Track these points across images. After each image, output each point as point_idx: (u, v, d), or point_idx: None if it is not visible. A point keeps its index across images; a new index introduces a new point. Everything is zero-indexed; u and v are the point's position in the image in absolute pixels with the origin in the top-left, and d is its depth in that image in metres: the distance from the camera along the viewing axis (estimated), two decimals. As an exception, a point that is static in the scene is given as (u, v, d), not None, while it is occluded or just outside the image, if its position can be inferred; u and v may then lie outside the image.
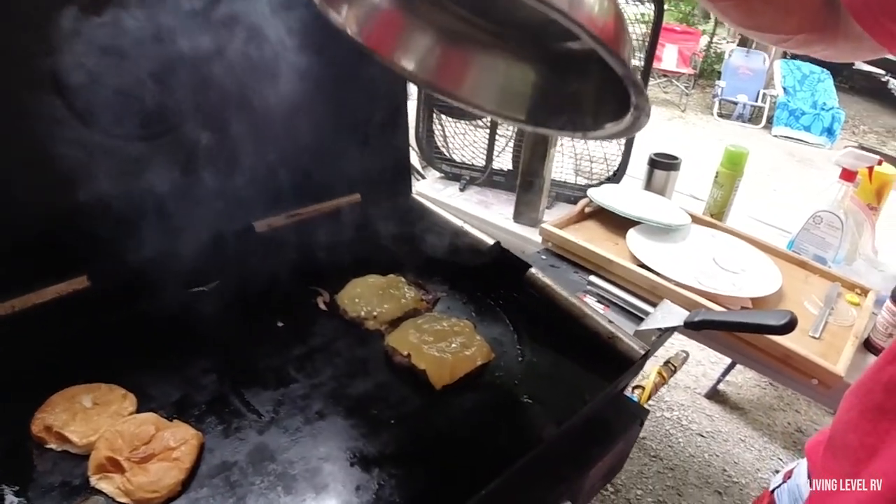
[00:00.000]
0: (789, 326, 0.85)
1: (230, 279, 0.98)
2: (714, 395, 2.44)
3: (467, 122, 1.73)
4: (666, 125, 5.44)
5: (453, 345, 0.87)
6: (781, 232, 1.65)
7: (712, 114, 5.25)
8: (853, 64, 5.56)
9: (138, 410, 0.76)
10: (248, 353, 0.88)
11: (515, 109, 0.68)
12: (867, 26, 0.44)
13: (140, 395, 0.78)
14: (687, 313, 1.02)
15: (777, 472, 2.37)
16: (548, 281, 0.95)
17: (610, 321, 0.91)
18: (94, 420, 0.73)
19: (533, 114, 0.67)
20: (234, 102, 0.91)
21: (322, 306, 0.99)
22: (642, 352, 0.88)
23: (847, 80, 5.06)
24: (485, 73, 0.67)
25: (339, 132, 1.08)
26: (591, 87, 0.59)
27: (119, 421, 0.72)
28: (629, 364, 0.86)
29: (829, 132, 4.49)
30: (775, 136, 4.82)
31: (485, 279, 1.03)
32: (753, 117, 5.08)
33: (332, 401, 0.80)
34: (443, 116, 1.70)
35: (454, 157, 1.73)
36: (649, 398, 1.02)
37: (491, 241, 1.02)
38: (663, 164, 1.58)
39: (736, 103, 5.08)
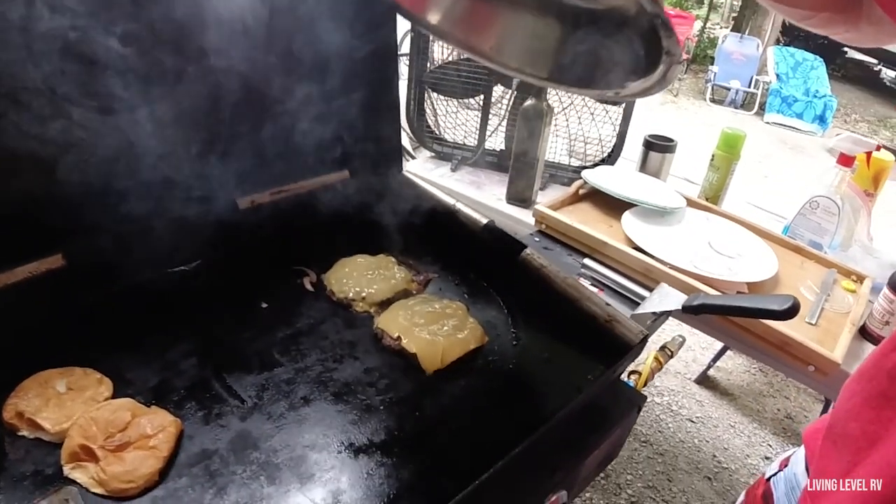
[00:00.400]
0: (791, 312, 0.82)
1: (212, 259, 0.93)
2: (704, 380, 2.43)
3: (459, 101, 1.69)
4: (658, 110, 5.41)
5: (445, 328, 0.83)
6: (776, 217, 1.64)
7: (705, 99, 5.23)
8: (845, 52, 5.55)
9: (114, 396, 0.73)
10: (230, 336, 0.84)
11: (540, 67, 0.65)
12: (888, 10, 0.43)
13: (116, 380, 0.74)
14: (685, 297, 1.00)
15: (767, 458, 2.37)
16: (543, 262, 0.92)
17: (607, 304, 0.88)
18: (68, 406, 0.69)
19: (558, 72, 0.64)
20: (218, 75, 0.86)
21: (308, 287, 0.95)
22: (641, 336, 0.85)
23: (839, 68, 5.04)
24: (510, 29, 0.65)
25: (327, 106, 1.03)
26: (618, 44, 0.56)
27: (94, 407, 0.69)
28: (627, 349, 0.83)
29: (821, 120, 4.48)
30: (767, 122, 4.80)
31: (478, 260, 1.00)
32: (746, 103, 5.07)
33: (319, 386, 0.77)
34: (434, 95, 1.66)
35: (445, 136, 1.69)
36: (645, 384, 0.99)
37: (484, 221, 0.98)
38: (659, 145, 1.55)
39: (728, 89, 5.05)
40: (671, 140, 1.57)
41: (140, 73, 0.78)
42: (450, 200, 1.03)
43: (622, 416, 0.87)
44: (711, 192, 1.57)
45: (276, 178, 1.02)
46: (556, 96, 1.57)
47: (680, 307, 0.98)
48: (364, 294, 0.91)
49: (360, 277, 0.93)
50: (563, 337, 0.87)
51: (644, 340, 0.85)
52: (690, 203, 1.44)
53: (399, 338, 0.81)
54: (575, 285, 0.90)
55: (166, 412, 0.70)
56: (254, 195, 1.00)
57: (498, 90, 1.62)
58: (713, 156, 1.54)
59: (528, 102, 1.35)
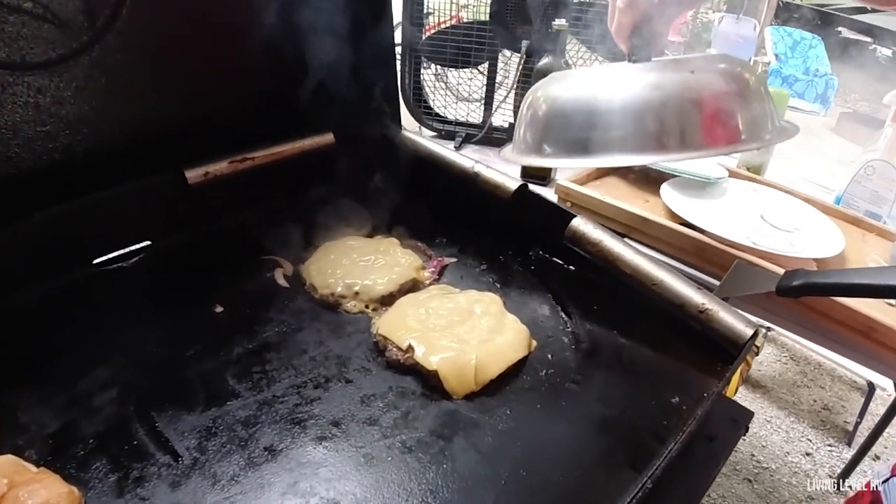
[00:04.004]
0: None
1: (150, 250, 0.69)
2: (735, 372, 2.19)
3: (459, 70, 1.46)
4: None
5: (476, 331, 0.56)
6: (822, 188, 1.46)
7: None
8: (840, 32, 5.35)
9: None
10: (167, 355, 0.57)
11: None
12: None
13: (5, 425, 0.50)
14: (777, 276, 0.74)
15: (808, 454, 2.12)
16: (602, 234, 0.64)
17: (699, 287, 0.61)
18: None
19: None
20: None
21: (282, 282, 0.67)
22: (750, 331, 0.58)
23: (835, 47, 4.85)
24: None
25: (303, 47, 0.76)
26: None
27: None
28: (736, 348, 0.57)
29: (823, 99, 4.26)
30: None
31: (510, 237, 0.72)
32: (745, 86, 4.86)
33: (292, 427, 0.49)
34: (431, 66, 1.45)
35: (447, 114, 1.47)
36: (736, 391, 0.72)
37: (515, 185, 0.71)
38: None
39: (727, 72, 4.84)
40: None
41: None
42: (467, 163, 0.76)
43: (729, 442, 0.60)
44: (754, 160, 1.34)
45: (237, 143, 0.75)
46: (576, 54, 1.33)
47: (774, 289, 0.73)
48: (357, 288, 0.63)
49: (351, 266, 0.66)
50: (641, 335, 0.61)
51: (755, 336, 0.59)
52: (732, 174, 1.25)
53: (410, 348, 0.54)
54: (649, 264, 0.63)
55: (58, 478, 0.45)
56: (208, 165, 0.72)
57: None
58: None
59: (545, 61, 1.12)
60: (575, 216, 0.67)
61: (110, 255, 0.69)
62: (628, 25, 0.62)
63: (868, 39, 5.27)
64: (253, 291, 0.66)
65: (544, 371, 0.56)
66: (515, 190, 0.71)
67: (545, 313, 0.64)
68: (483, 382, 0.52)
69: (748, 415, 0.65)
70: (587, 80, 0.64)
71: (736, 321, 0.59)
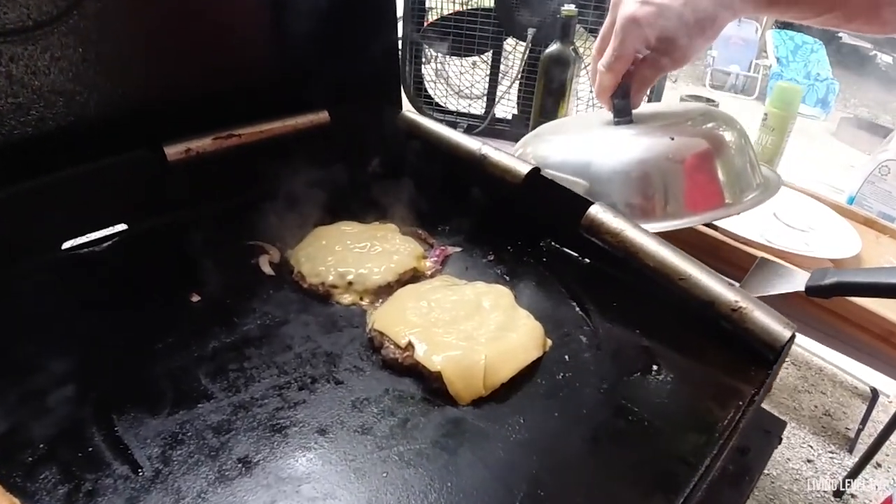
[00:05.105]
0: None
1: (124, 233, 0.62)
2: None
3: (461, 58, 1.39)
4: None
5: (483, 327, 0.49)
6: (832, 188, 1.44)
7: (704, 84, 4.94)
8: (840, 38, 5.31)
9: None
10: (133, 348, 0.50)
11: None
12: None
13: None
14: (806, 275, 0.68)
15: (810, 461, 2.08)
16: (623, 223, 0.58)
17: (731, 284, 0.54)
18: None
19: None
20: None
21: (267, 270, 0.60)
22: (788, 332, 0.52)
23: (835, 53, 4.81)
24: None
25: (295, 16, 0.69)
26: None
27: None
28: (774, 352, 0.50)
29: (824, 103, 4.21)
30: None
31: (519, 225, 0.65)
32: (746, 88, 4.80)
33: (272, 435, 0.42)
34: (432, 63, 1.40)
35: (448, 104, 1.41)
36: (763, 399, 0.66)
37: (527, 168, 0.64)
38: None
39: (728, 74, 4.78)
40: (711, 101, 1.32)
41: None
42: (474, 144, 0.68)
43: (763, 454, 0.54)
44: (766, 156, 1.29)
45: (222, 118, 0.68)
46: (582, 45, 1.27)
47: (802, 288, 0.67)
48: (351, 277, 0.56)
49: (344, 253, 0.59)
50: (667, 336, 0.54)
51: (793, 338, 0.52)
52: None
53: (410, 346, 0.47)
54: (676, 256, 0.56)
55: (1, 490, 0.38)
56: (190, 141, 0.65)
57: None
58: (766, 115, 1.27)
59: (553, 48, 1.06)
60: (593, 203, 0.60)
61: (81, 240, 0.62)
62: (609, 88, 0.66)
63: (868, 46, 5.25)
64: (234, 280, 0.58)
65: (561, 374, 0.48)
66: (527, 174, 0.64)
67: (560, 309, 0.57)
68: (493, 386, 0.45)
69: (781, 424, 0.58)
70: (575, 146, 0.68)
71: (772, 321, 0.52)
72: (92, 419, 0.44)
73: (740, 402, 0.48)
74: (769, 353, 0.51)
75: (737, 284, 0.59)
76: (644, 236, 0.57)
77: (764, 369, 0.51)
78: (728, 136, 0.68)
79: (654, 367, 0.51)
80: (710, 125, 0.69)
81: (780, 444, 0.57)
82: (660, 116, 0.72)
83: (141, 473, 0.40)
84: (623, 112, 0.67)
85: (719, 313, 0.53)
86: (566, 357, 0.50)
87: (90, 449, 0.42)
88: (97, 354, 0.49)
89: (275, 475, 0.39)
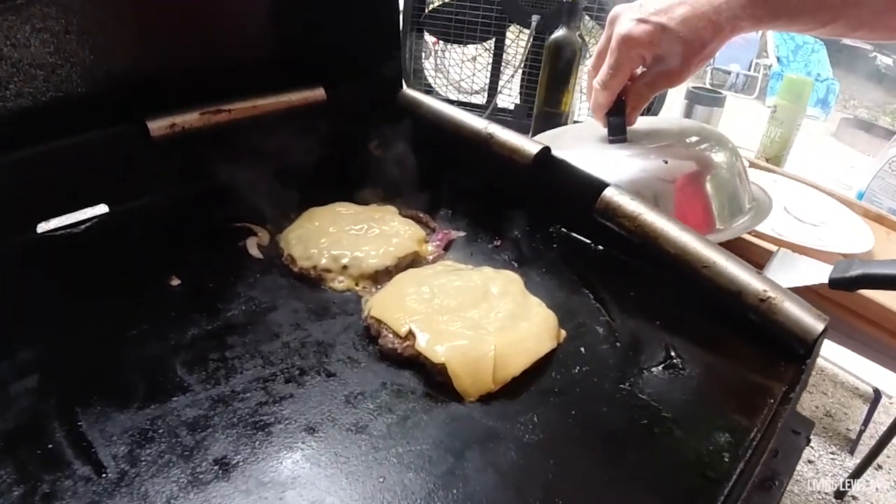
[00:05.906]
0: None
1: (105, 213, 0.56)
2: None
3: (463, 45, 1.35)
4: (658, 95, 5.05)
5: (492, 315, 0.44)
6: (841, 184, 1.41)
7: (704, 83, 4.93)
8: (840, 39, 5.29)
9: None
10: (104, 335, 0.45)
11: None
12: None
13: None
14: (828, 267, 0.65)
15: (811, 461, 2.04)
16: (640, 207, 0.53)
17: (758, 272, 0.49)
18: None
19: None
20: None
21: (255, 252, 0.55)
22: (821, 325, 0.47)
23: (835, 53, 4.79)
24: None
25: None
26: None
27: None
28: (807, 347, 0.46)
29: (824, 103, 4.17)
30: (769, 106, 4.48)
31: (528, 209, 0.60)
32: (746, 87, 4.76)
33: (253, 433, 0.37)
34: (432, 57, 1.37)
35: (448, 93, 1.37)
36: (799, 397, 0.62)
37: (536, 148, 0.59)
38: (706, 97, 1.27)
39: (728, 73, 4.74)
40: (719, 93, 1.32)
41: None
42: (479, 123, 0.64)
43: (792, 457, 0.49)
44: (774, 150, 1.26)
45: (210, 93, 0.62)
46: (589, 32, 1.23)
47: (826, 280, 0.63)
48: (346, 261, 0.51)
49: (339, 235, 0.54)
50: (689, 328, 0.49)
51: (825, 331, 0.48)
52: (752, 164, 1.17)
53: (411, 335, 0.42)
54: (699, 242, 0.51)
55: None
56: (175, 115, 0.60)
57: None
58: (775, 107, 1.25)
59: (558, 33, 1.02)
60: (608, 185, 0.55)
61: (58, 222, 0.57)
62: (605, 105, 0.66)
63: (868, 47, 5.23)
64: (219, 263, 0.53)
65: (577, 368, 0.44)
66: (536, 154, 0.59)
67: (573, 298, 0.52)
68: (503, 381, 0.40)
69: (809, 425, 0.54)
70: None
71: (803, 313, 0.48)
72: (54, 413, 0.39)
73: (771, 401, 0.44)
74: (800, 347, 0.47)
75: (759, 275, 0.54)
76: (664, 221, 0.53)
77: (795, 364, 0.47)
78: (721, 157, 0.68)
79: (677, 362, 0.46)
80: (703, 146, 0.69)
81: (808, 444, 0.52)
82: (654, 135, 0.70)
83: (105, 475, 0.35)
84: (618, 130, 0.67)
85: (746, 304, 0.48)
86: (581, 349, 0.45)
87: (50, 446, 0.37)
88: (66, 343, 0.44)
89: (256, 479, 0.34)
